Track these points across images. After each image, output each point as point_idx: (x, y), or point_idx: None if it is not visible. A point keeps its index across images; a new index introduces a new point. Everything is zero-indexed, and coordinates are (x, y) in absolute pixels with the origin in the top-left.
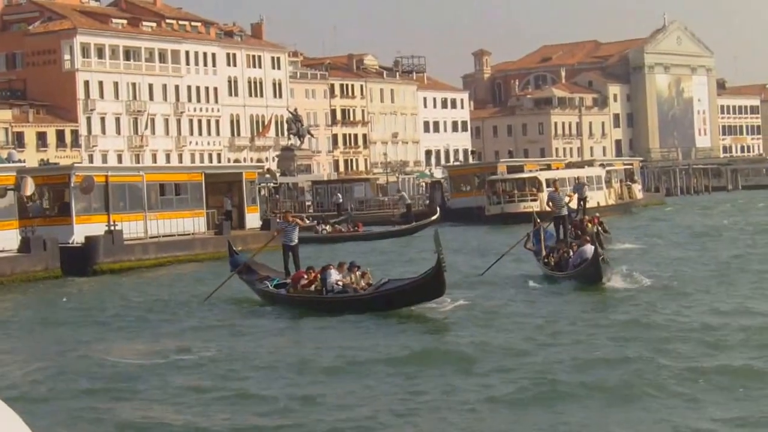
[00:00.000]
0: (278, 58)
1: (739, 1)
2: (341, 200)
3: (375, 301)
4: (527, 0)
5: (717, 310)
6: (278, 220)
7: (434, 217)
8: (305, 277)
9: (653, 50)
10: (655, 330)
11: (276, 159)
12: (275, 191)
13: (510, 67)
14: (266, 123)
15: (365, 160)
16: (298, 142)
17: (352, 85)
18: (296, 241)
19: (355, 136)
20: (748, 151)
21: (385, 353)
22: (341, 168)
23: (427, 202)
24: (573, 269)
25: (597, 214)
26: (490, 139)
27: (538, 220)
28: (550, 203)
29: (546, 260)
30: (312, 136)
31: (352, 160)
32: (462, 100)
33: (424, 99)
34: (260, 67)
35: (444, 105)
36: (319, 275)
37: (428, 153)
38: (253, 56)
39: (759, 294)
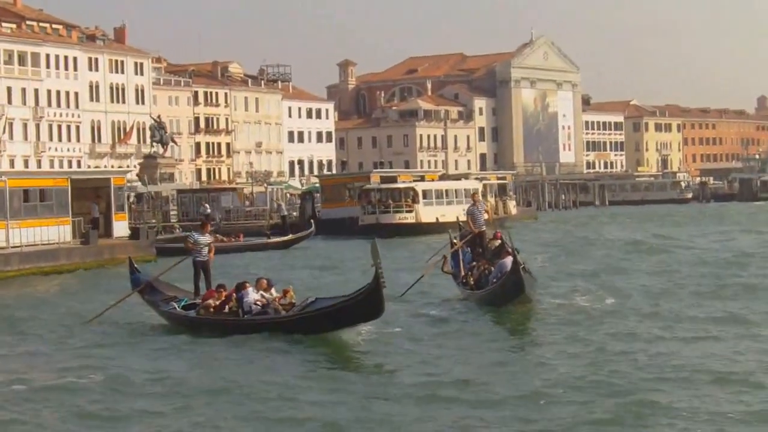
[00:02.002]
0: (141, 64)
1: (604, 19)
2: (209, 211)
3: (300, 323)
4: (393, 11)
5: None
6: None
7: (310, 230)
8: (215, 296)
9: (520, 64)
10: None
11: (138, 167)
12: (137, 200)
13: (375, 78)
14: (128, 130)
15: (228, 169)
16: (161, 150)
17: (216, 93)
18: (207, 256)
19: (219, 144)
20: (611, 167)
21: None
22: (204, 177)
23: (296, 213)
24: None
25: (499, 229)
26: (354, 150)
27: (455, 241)
28: (470, 218)
29: (464, 280)
30: (175, 144)
31: (215, 169)
32: (327, 111)
33: (289, 108)
34: (123, 72)
35: (309, 115)
36: (234, 294)
37: (292, 163)
38: (116, 61)
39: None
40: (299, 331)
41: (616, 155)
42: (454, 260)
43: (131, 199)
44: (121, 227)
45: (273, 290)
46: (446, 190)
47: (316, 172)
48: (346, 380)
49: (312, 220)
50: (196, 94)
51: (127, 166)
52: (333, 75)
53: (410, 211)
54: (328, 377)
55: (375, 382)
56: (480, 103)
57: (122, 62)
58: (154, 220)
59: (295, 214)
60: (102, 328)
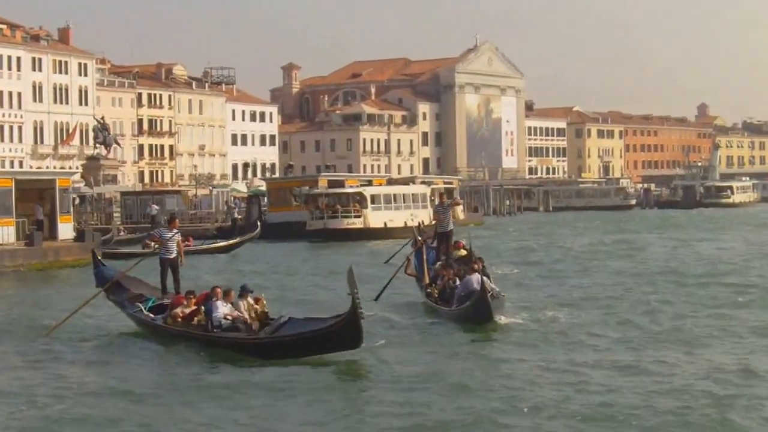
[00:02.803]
0: (85, 65)
1: (548, 25)
2: (155, 212)
3: (272, 347)
4: (337, 15)
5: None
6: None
7: (256, 231)
8: (185, 303)
9: (464, 70)
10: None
11: (81, 168)
12: (80, 202)
13: (319, 82)
14: (71, 131)
15: (171, 171)
16: (104, 152)
17: (160, 95)
18: (176, 253)
19: (162, 146)
20: (554, 173)
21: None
22: (147, 179)
23: (241, 217)
24: (459, 303)
25: (463, 239)
26: (297, 154)
27: (420, 238)
28: (435, 217)
29: (429, 289)
30: (119, 145)
31: (158, 171)
32: (271, 114)
33: (233, 111)
34: (66, 73)
35: (252, 118)
36: (201, 305)
37: (235, 166)
38: (60, 62)
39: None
40: (270, 354)
41: (558, 161)
42: (418, 260)
43: (75, 201)
44: (66, 229)
45: (249, 297)
46: (394, 195)
47: (259, 176)
48: (319, 398)
49: (258, 223)
50: (139, 95)
51: (70, 168)
52: (277, 78)
53: (358, 216)
54: (300, 396)
55: (349, 398)
56: (424, 107)
57: (66, 63)
58: (95, 221)
59: (240, 217)
60: (63, 339)
